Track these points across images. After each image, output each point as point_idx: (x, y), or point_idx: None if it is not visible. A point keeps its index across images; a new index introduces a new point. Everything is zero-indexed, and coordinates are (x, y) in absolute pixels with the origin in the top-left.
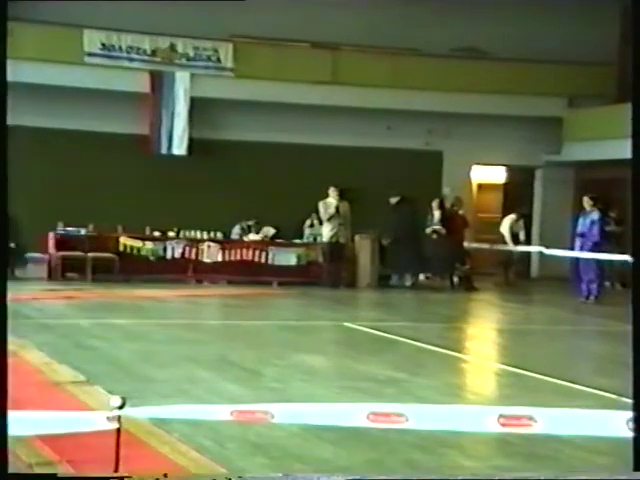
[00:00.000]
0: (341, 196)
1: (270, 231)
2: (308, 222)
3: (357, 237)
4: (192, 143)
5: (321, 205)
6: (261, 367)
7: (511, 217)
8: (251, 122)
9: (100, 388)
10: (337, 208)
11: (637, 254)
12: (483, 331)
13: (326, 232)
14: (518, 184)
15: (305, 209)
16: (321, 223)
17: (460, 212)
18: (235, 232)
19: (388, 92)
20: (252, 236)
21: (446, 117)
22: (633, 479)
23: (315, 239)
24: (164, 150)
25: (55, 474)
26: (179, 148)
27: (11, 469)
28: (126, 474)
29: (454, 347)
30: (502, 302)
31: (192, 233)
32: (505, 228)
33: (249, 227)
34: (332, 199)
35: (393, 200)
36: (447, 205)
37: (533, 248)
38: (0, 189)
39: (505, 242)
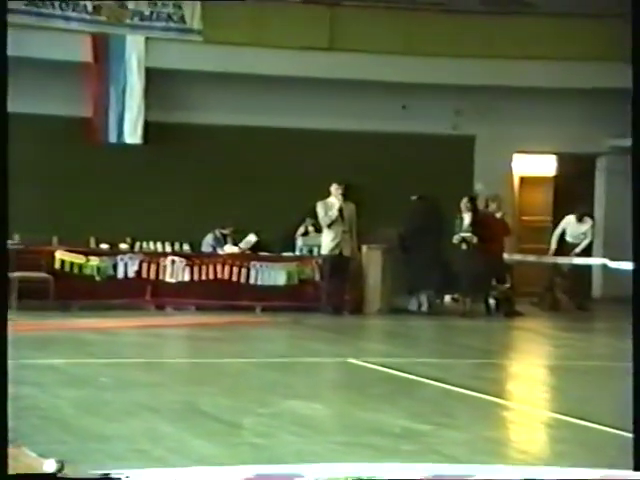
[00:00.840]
0: (345, 196)
1: (252, 240)
2: (301, 229)
3: (365, 248)
4: (149, 128)
5: (320, 207)
6: (240, 417)
7: (569, 219)
8: (225, 100)
9: (29, 450)
10: (340, 211)
11: (637, 257)
12: (529, 369)
13: (326, 242)
14: (573, 177)
15: (298, 212)
16: (319, 230)
17: (497, 214)
18: (207, 243)
19: (403, 60)
20: (229, 248)
21: (479, 92)
22: (633, 479)
23: (311, 251)
24: (113, 138)
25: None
26: (132, 135)
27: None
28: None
29: (491, 390)
30: (553, 331)
31: (151, 245)
32: (556, 233)
33: (225, 236)
34: (334, 199)
35: (413, 199)
36: (480, 205)
37: (594, 260)
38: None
39: (561, 252)
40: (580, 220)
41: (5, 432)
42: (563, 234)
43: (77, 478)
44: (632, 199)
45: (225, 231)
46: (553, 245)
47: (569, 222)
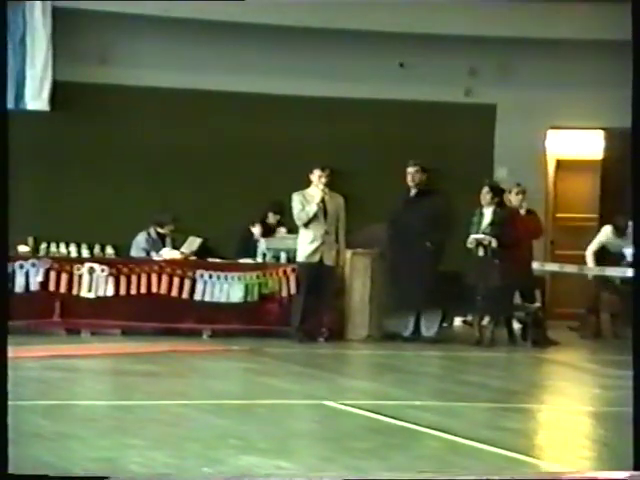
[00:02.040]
0: (330, 185)
1: (195, 243)
2: (256, 229)
3: (349, 254)
4: (58, 90)
5: (296, 199)
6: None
7: (605, 231)
8: (164, 54)
9: None
10: (323, 205)
11: (637, 262)
12: (564, 417)
13: (303, 246)
14: (628, 160)
15: (261, 206)
16: (289, 230)
17: (522, 210)
18: (139, 245)
19: (399, 4)
20: (168, 252)
21: (500, 45)
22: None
23: (277, 257)
24: (10, 103)
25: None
26: (36, 99)
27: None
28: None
29: (513, 444)
30: (598, 366)
31: (61, 248)
32: (591, 247)
33: (162, 237)
34: (315, 190)
35: (414, 190)
36: (508, 197)
37: None
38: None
39: (602, 263)
40: (622, 233)
41: (5, 432)
42: (603, 250)
43: (77, 478)
44: (633, 200)
45: (163, 230)
46: (589, 263)
47: (607, 236)
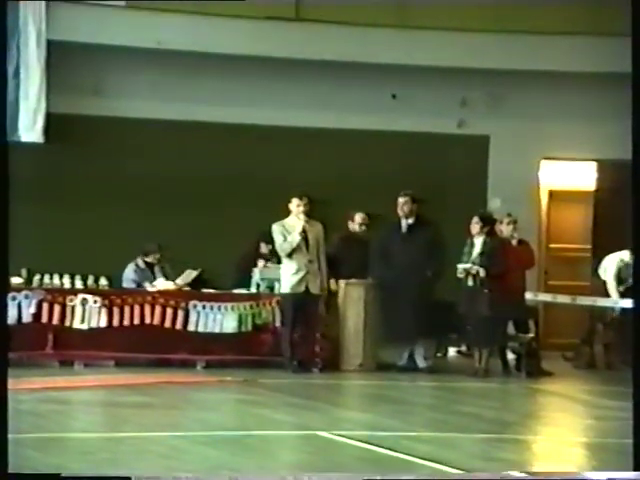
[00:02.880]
0: (309, 214)
1: (192, 275)
2: (261, 263)
3: (342, 284)
4: (52, 122)
5: (277, 230)
6: None
7: (620, 257)
8: (156, 87)
9: None
10: (304, 234)
11: (637, 266)
12: (559, 449)
13: (287, 276)
14: (621, 192)
15: (254, 235)
16: (279, 261)
17: (513, 240)
18: (128, 277)
19: (393, 35)
20: (162, 283)
21: (494, 77)
22: (633, 479)
23: (271, 287)
24: (3, 135)
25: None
26: (30, 131)
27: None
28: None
29: None
30: (592, 397)
31: (55, 279)
32: (611, 275)
33: (151, 266)
34: (295, 219)
35: (406, 222)
36: (499, 227)
37: None
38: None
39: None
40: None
41: (5, 432)
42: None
43: (77, 478)
44: (633, 202)
45: (149, 259)
46: (613, 288)
47: (623, 260)
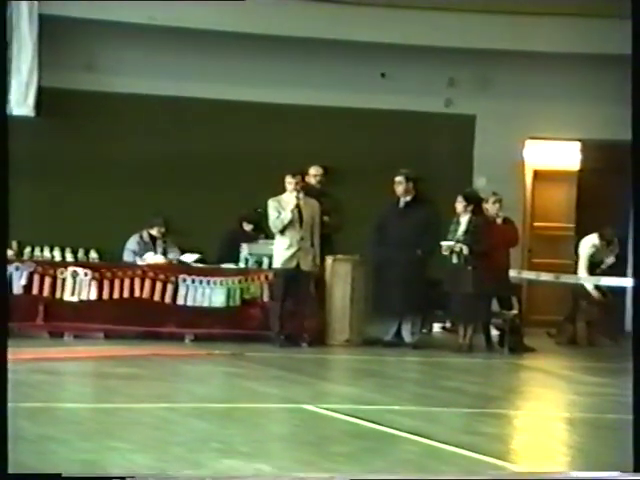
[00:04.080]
0: (305, 191)
1: (192, 258)
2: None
3: (329, 260)
4: (44, 96)
5: (271, 206)
6: None
7: (592, 240)
8: (149, 62)
9: None
10: (298, 211)
11: (637, 267)
12: (540, 423)
13: (279, 252)
14: (604, 172)
15: (238, 207)
16: (268, 236)
17: (498, 219)
18: (129, 247)
19: (382, 14)
20: (151, 257)
21: (481, 56)
22: (633, 479)
23: (260, 263)
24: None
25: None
26: (21, 105)
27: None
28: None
29: (490, 449)
30: (573, 373)
31: (45, 252)
32: (582, 257)
33: (154, 240)
34: (289, 196)
35: (403, 200)
36: (485, 206)
37: (627, 281)
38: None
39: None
40: (608, 243)
41: (5, 432)
42: (593, 255)
43: (77, 478)
44: (633, 202)
45: (154, 231)
46: (584, 267)
47: (594, 245)
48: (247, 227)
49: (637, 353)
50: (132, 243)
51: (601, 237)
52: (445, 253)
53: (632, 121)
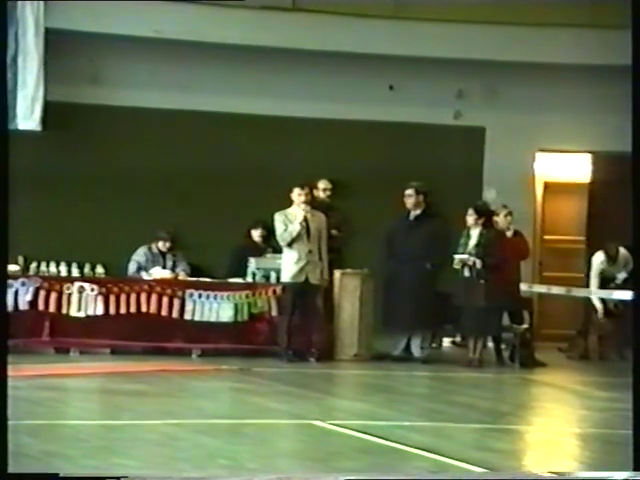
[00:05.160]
0: (312, 204)
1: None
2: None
3: (338, 274)
4: (50, 110)
5: (278, 219)
6: None
7: (600, 257)
8: (155, 75)
9: None
10: (306, 224)
11: (637, 266)
12: (552, 439)
13: (287, 266)
14: (615, 184)
15: (245, 221)
16: (276, 250)
17: (508, 232)
18: (135, 260)
19: (389, 25)
20: (158, 271)
21: (490, 68)
22: (633, 479)
23: (267, 277)
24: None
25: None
26: (28, 119)
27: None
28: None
29: (501, 465)
30: (586, 388)
31: (51, 267)
32: (593, 272)
33: (163, 255)
34: (297, 209)
35: (414, 213)
36: (495, 218)
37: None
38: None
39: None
40: (613, 261)
41: (5, 432)
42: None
43: (77, 478)
44: (633, 201)
45: (159, 245)
46: (595, 283)
47: (601, 264)
48: (256, 236)
49: (637, 353)
50: (139, 254)
51: (606, 254)
52: (457, 266)
53: (632, 131)
